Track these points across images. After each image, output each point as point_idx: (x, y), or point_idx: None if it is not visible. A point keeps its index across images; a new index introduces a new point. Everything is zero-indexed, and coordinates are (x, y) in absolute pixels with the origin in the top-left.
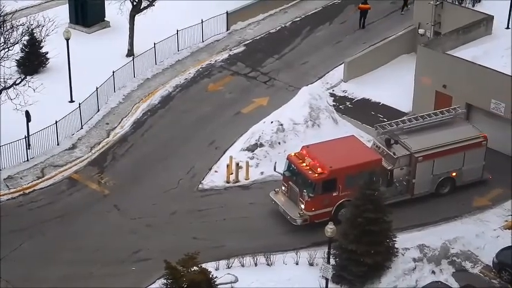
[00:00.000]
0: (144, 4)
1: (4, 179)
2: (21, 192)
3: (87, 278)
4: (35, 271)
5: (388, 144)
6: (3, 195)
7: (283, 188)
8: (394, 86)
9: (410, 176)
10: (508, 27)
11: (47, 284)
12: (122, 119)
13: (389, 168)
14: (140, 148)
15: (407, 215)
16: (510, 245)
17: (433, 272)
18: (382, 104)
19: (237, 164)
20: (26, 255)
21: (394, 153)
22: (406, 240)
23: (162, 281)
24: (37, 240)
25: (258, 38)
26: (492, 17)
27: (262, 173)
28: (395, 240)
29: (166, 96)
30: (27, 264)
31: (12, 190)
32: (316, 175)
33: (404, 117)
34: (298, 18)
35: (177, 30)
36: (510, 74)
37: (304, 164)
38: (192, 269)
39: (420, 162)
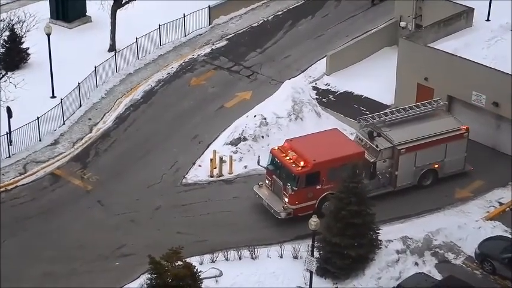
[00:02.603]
0: None
1: None
2: (3, 189)
3: (70, 275)
4: (17, 268)
5: (371, 137)
6: None
7: (266, 181)
8: (377, 79)
9: (393, 169)
10: (488, 20)
11: (30, 281)
12: (104, 114)
13: (372, 160)
14: (123, 143)
15: (390, 207)
16: (492, 236)
17: (416, 264)
18: (365, 96)
19: (221, 158)
20: (8, 252)
21: (376, 146)
22: (389, 233)
23: (147, 276)
24: (19, 237)
25: (240, 32)
26: (473, 10)
27: (245, 167)
28: (378, 233)
29: (149, 91)
30: (9, 261)
31: None
32: (300, 168)
33: (387, 110)
34: (280, 12)
35: (159, 25)
36: (490, 66)
37: (288, 158)
38: (177, 264)
39: (403, 154)
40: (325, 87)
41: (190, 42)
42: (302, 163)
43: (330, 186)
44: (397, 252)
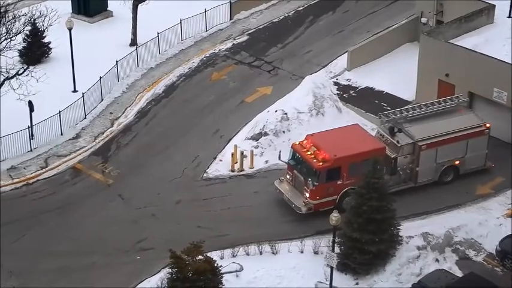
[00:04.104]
0: None
1: (7, 169)
2: (25, 183)
3: (90, 268)
4: (37, 262)
5: (392, 133)
6: (7, 185)
7: (287, 176)
8: (398, 75)
9: (413, 164)
10: (509, 16)
11: (49, 274)
12: (125, 109)
13: (393, 156)
14: (144, 137)
15: (411, 203)
16: None
17: (437, 260)
18: (386, 92)
19: (242, 153)
20: (29, 245)
21: (397, 142)
22: (409, 228)
23: (167, 270)
24: (40, 230)
25: (261, 27)
26: (494, 6)
27: (266, 161)
28: (399, 229)
29: (170, 85)
30: (29, 254)
31: (15, 180)
32: (321, 163)
33: (408, 106)
34: (301, 8)
35: (181, 20)
36: (511, 63)
37: (309, 153)
38: (197, 258)
39: (424, 150)
40: (346, 83)
41: (211, 37)
42: (323, 158)
43: (350, 181)
44: (418, 248)
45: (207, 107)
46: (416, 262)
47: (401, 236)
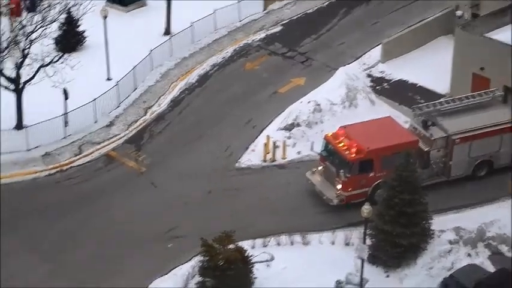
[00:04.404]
0: None
1: (42, 156)
2: (59, 169)
3: (123, 256)
4: (70, 248)
5: (425, 126)
6: (41, 171)
7: (319, 168)
8: (432, 68)
9: (447, 158)
10: None
11: (81, 261)
12: (159, 97)
13: (426, 149)
14: (177, 126)
15: (443, 197)
16: None
17: (469, 255)
18: (419, 85)
19: (274, 143)
20: (62, 232)
21: (431, 135)
22: (442, 223)
23: (198, 258)
24: (73, 217)
25: (294, 18)
26: None
27: (299, 152)
28: (431, 222)
29: (204, 75)
30: (63, 241)
31: (49, 167)
32: (353, 155)
33: (442, 99)
34: None
35: (214, 10)
36: None
37: (341, 144)
38: (228, 247)
39: (457, 144)
40: (379, 75)
41: (244, 28)
42: (356, 150)
43: (383, 174)
44: (450, 242)
45: (240, 97)
46: (448, 256)
47: (433, 230)
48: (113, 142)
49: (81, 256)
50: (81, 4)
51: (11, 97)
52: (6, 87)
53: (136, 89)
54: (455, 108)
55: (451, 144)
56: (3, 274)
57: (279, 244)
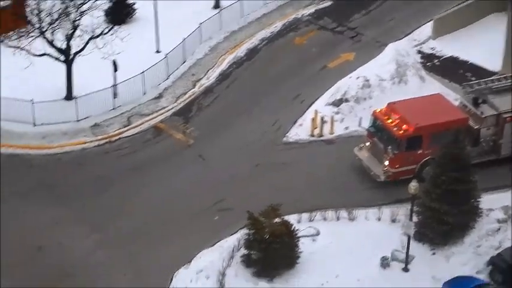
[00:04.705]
0: None
1: (91, 127)
2: (108, 140)
3: (168, 228)
4: (116, 219)
5: (476, 104)
6: (90, 142)
7: (367, 143)
8: (483, 45)
9: (497, 136)
10: None
11: (127, 232)
12: (207, 71)
13: (475, 127)
14: (225, 99)
15: (492, 175)
16: None
17: None
18: (471, 62)
19: (322, 118)
20: (109, 203)
21: (481, 113)
22: (490, 201)
23: (244, 231)
24: (120, 188)
25: None
26: None
27: (346, 128)
28: (479, 201)
29: (253, 49)
30: (109, 211)
31: (98, 137)
32: (402, 132)
33: (493, 77)
34: None
35: None
36: None
37: (390, 121)
38: (274, 221)
39: (508, 122)
40: (430, 51)
41: (294, 2)
42: (404, 126)
43: (431, 151)
44: (498, 221)
45: (289, 72)
46: (495, 235)
47: (481, 208)
48: (161, 114)
49: (129, 227)
50: None
51: (62, 68)
52: (56, 58)
53: (185, 62)
54: (507, 86)
55: (502, 122)
56: (52, 243)
57: (325, 219)
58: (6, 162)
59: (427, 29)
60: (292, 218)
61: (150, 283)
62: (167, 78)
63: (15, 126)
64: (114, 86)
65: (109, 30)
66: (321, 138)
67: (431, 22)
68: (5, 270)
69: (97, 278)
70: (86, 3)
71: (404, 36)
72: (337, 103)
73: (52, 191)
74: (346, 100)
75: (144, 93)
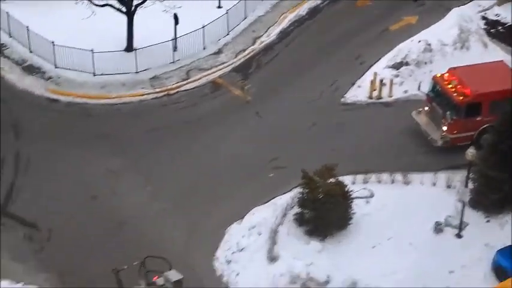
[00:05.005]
0: None
1: (150, 79)
2: (166, 93)
3: (222, 184)
4: (169, 173)
5: None
6: (148, 94)
7: (426, 108)
8: None
9: None
10: None
11: (180, 186)
12: (268, 28)
13: None
14: (285, 58)
15: None
16: None
17: None
18: None
19: (381, 81)
20: (164, 155)
21: None
22: None
23: (298, 190)
24: (176, 141)
25: None
26: None
27: (405, 91)
28: None
29: (314, 8)
30: (163, 164)
31: (157, 90)
32: (461, 98)
33: None
34: None
35: None
36: None
37: (450, 86)
38: (329, 181)
39: None
40: (494, 18)
41: None
42: (464, 93)
43: (490, 118)
44: None
45: (350, 33)
46: None
47: None
48: (220, 69)
49: (183, 180)
50: None
51: (123, 19)
52: (118, 9)
53: (246, 18)
54: None
55: None
56: (107, 194)
57: (379, 182)
58: (65, 111)
59: None
60: (346, 179)
61: (202, 237)
62: (227, 34)
63: (75, 75)
64: (174, 39)
65: None
66: (379, 100)
67: None
68: (60, 218)
69: (149, 230)
70: None
71: (469, 2)
72: (397, 66)
73: (109, 141)
74: (407, 63)
75: (204, 48)
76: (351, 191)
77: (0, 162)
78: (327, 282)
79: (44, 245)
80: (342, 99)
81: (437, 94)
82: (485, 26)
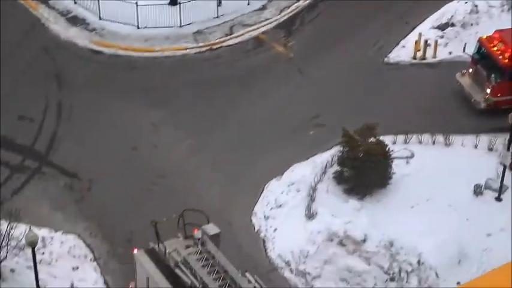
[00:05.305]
0: None
1: (193, 33)
2: (209, 48)
3: (262, 141)
4: (211, 128)
5: None
6: (191, 48)
7: (470, 70)
8: None
9: None
10: None
11: (221, 143)
12: None
13: None
14: (329, 16)
15: None
16: None
17: None
18: None
19: (426, 42)
20: (206, 110)
21: None
22: None
23: (339, 148)
24: (219, 96)
25: None
26: None
27: (450, 53)
28: None
29: None
30: (206, 119)
31: (200, 44)
32: (507, 60)
33: None
34: None
35: None
36: None
37: (495, 48)
38: (369, 140)
39: None
40: None
41: None
42: (510, 55)
43: None
44: None
45: None
46: None
47: None
48: (264, 26)
49: (223, 135)
50: None
51: None
52: None
53: None
54: None
55: None
56: (147, 146)
57: (420, 142)
58: (108, 63)
59: None
60: (387, 139)
61: (241, 192)
62: None
63: (119, 27)
64: None
65: None
66: (423, 61)
67: None
68: (100, 168)
69: (188, 183)
70: None
71: None
72: (442, 27)
73: (151, 93)
74: (452, 24)
75: (248, 4)
76: (391, 150)
77: (43, 111)
78: (364, 241)
79: (84, 195)
80: (385, 59)
81: (483, 56)
82: None
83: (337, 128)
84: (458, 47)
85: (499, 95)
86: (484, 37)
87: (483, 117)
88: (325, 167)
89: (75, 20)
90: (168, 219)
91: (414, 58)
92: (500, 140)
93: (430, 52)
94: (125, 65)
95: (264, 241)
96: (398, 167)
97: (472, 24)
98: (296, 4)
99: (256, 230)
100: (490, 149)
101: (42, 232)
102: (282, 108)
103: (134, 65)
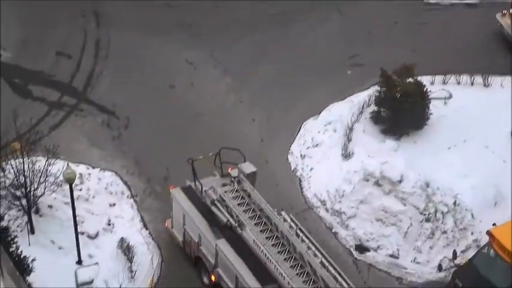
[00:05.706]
0: None
1: None
2: None
3: (301, 79)
4: (250, 66)
5: None
6: None
7: (511, 10)
8: None
9: None
10: None
11: (260, 80)
12: None
13: None
14: None
15: None
16: None
17: None
18: None
19: None
20: (246, 47)
21: None
22: None
23: (376, 88)
24: (258, 34)
25: None
26: None
27: None
28: None
29: None
30: (245, 57)
31: None
32: None
33: None
34: None
35: None
36: None
37: None
38: (407, 80)
39: None
40: None
41: None
42: None
43: None
44: None
45: None
46: None
47: None
48: None
49: (262, 74)
50: None
51: None
52: None
53: None
54: None
55: None
56: (185, 84)
57: (458, 83)
58: (148, 0)
59: None
60: (425, 79)
61: (278, 131)
62: None
63: None
64: None
65: None
66: (464, 1)
67: None
68: (138, 105)
69: (225, 122)
70: None
71: None
72: None
73: (189, 31)
74: None
75: None
76: (429, 91)
77: (81, 48)
78: (400, 181)
79: (122, 132)
80: None
81: None
82: None
83: (375, 68)
84: None
85: None
86: None
87: None
88: (362, 107)
89: None
90: (205, 157)
91: None
92: None
93: None
94: (163, 2)
95: (300, 180)
96: (436, 108)
97: None
98: None
99: (292, 169)
100: None
101: (79, 169)
102: (321, 48)
103: (172, 3)
